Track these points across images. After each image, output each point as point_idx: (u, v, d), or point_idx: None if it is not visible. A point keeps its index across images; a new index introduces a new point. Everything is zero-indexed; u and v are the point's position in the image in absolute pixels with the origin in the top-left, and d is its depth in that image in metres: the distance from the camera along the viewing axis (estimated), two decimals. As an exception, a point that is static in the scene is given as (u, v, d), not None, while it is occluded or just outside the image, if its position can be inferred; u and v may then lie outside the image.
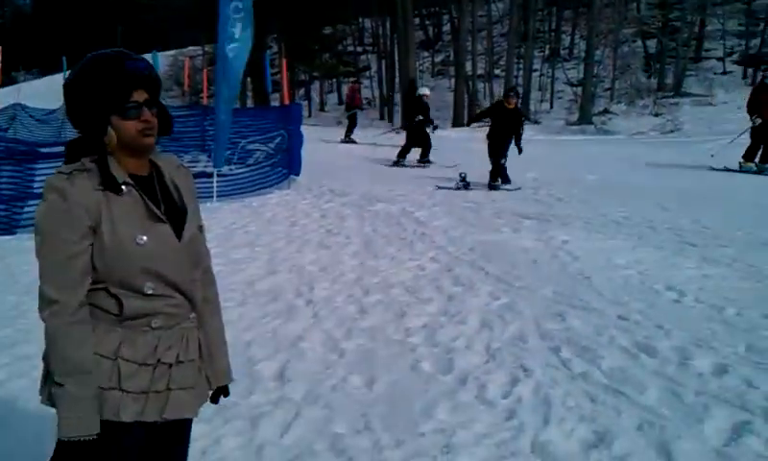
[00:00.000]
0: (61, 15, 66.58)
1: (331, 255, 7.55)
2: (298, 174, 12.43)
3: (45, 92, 30.98)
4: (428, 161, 16.21)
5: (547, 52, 36.45)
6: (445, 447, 3.61)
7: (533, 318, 5.44)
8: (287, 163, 12.33)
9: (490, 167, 12.27)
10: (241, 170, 11.80)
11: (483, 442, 3.65)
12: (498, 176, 12.26)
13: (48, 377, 2.03)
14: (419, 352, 4.83)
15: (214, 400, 2.39)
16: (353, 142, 21.72)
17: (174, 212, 2.13)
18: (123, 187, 2.00)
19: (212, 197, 10.21)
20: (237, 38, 9.72)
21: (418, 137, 16.54)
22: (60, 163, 6.35)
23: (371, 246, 7.93)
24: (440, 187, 12.08)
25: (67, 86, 2.03)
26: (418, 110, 16.87)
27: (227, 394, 2.43)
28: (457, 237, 8.24)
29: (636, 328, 5.18)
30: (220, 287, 2.42)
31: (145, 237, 2.00)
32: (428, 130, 16.90)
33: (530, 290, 6.19)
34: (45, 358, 2.04)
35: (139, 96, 2.02)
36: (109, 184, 1.98)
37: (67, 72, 22.10)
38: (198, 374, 2.22)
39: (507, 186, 12.14)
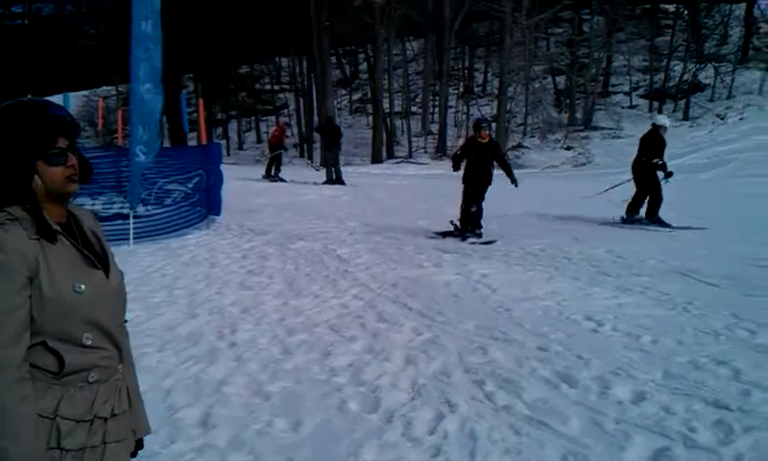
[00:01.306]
0: (-34, 56, 64.47)
1: (253, 296, 7.44)
2: (218, 214, 12.27)
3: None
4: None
5: (461, 89, 37.19)
6: (374, 487, 3.58)
7: (456, 352, 5.48)
8: (206, 203, 12.17)
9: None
10: (158, 211, 11.56)
11: (411, 480, 3.64)
12: (470, 224, 10.85)
13: None
14: (345, 392, 4.79)
15: (134, 453, 2.31)
16: (283, 181, 21.63)
17: (98, 258, 2.08)
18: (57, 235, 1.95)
19: (128, 239, 9.96)
20: (151, 79, 9.61)
21: (648, 185, 12.45)
22: None
23: (293, 285, 7.87)
24: (435, 235, 11.05)
25: None
26: (652, 150, 12.43)
27: (141, 446, 2.34)
28: (379, 273, 8.27)
29: (556, 359, 5.28)
30: (137, 333, 2.36)
31: (83, 285, 1.95)
32: (661, 180, 12.46)
33: (452, 324, 6.24)
34: None
35: (62, 143, 1.98)
36: (45, 233, 1.92)
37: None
38: (128, 426, 2.16)
39: (474, 239, 10.63)
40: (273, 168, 22.36)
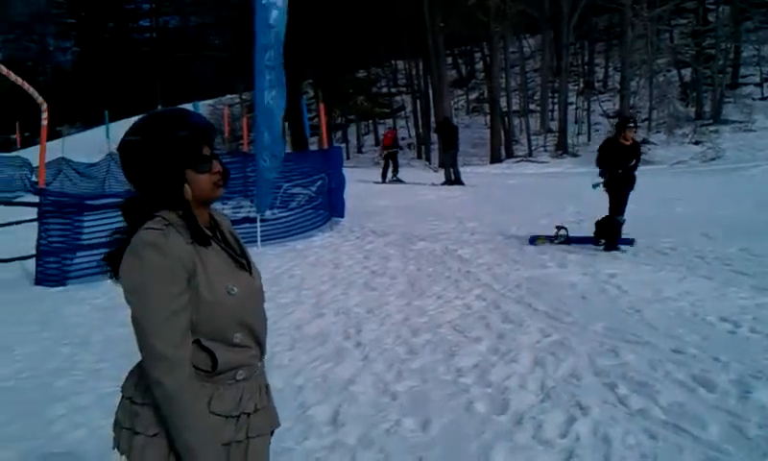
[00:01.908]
0: (102, 71, 68.30)
1: (377, 296, 7.55)
2: (341, 216, 12.51)
3: (88, 145, 31.75)
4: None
5: (581, 85, 36.34)
6: (505, 489, 3.56)
7: (586, 354, 5.37)
8: (329, 206, 12.43)
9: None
10: (284, 214, 11.89)
11: (543, 483, 3.60)
12: (617, 236, 9.49)
13: (148, 437, 2.02)
14: (472, 393, 4.78)
15: None
16: (402, 182, 21.80)
17: (244, 261, 2.19)
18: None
19: (257, 242, 10.30)
20: (275, 85, 9.88)
21: None
22: (104, 215, 6.46)
23: (416, 285, 7.92)
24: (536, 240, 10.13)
25: (132, 146, 2.04)
26: None
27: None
28: (502, 274, 8.19)
29: (692, 362, 5.08)
30: (270, 332, 2.43)
31: (236, 288, 2.04)
32: None
33: (581, 326, 6.11)
34: (134, 419, 2.06)
35: (206, 150, 2.07)
36: (199, 237, 2.01)
37: (111, 125, 22.49)
38: (267, 420, 2.24)
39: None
40: (391, 171, 22.53)
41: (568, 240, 10.00)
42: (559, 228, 10.14)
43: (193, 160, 2.04)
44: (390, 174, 22.52)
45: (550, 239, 10.04)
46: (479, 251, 9.57)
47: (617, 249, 9.35)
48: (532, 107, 35.07)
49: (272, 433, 2.33)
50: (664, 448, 3.83)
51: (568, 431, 4.10)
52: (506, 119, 32.07)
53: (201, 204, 2.10)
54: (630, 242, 9.63)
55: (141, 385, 2.04)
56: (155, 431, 1.99)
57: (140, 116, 2.15)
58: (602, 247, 9.55)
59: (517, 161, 28.88)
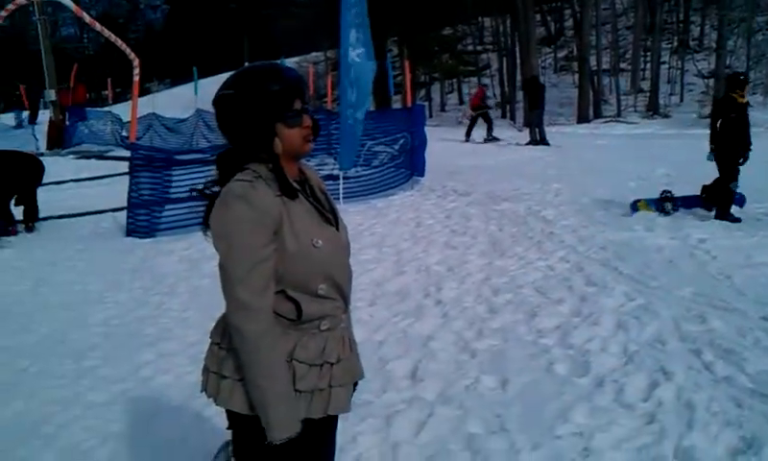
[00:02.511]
0: (191, 28, 69.47)
1: (458, 256, 7.52)
2: (422, 175, 12.48)
3: (176, 102, 32.51)
4: None
5: (675, 44, 35.00)
6: (584, 450, 3.53)
7: (671, 319, 5.24)
8: (410, 164, 12.40)
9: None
10: (366, 172, 11.93)
11: (623, 446, 3.55)
12: (730, 204, 8.80)
13: (234, 382, 2.10)
14: (552, 354, 4.74)
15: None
16: (497, 139, 21.50)
17: (330, 215, 2.22)
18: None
19: (339, 199, 10.38)
20: (362, 43, 9.84)
21: None
22: (192, 170, 6.64)
23: (497, 245, 7.86)
24: (637, 206, 9.39)
25: (226, 99, 2.09)
26: None
27: (354, 389, 2.46)
28: (587, 236, 8.04)
29: (784, 330, 4.90)
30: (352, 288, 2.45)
31: (320, 240, 2.08)
32: None
33: (666, 290, 5.96)
34: (220, 363, 2.14)
35: (298, 105, 2.09)
36: (287, 190, 2.05)
37: (199, 81, 22.88)
38: (349, 371, 2.28)
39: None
40: (485, 130, 22.17)
41: (675, 205, 9.23)
42: (665, 193, 9.32)
43: (284, 114, 2.07)
44: (484, 133, 22.17)
45: (659, 206, 9.21)
46: (563, 212, 9.41)
47: (730, 218, 8.65)
48: (622, 66, 34.02)
49: (355, 385, 2.37)
50: (750, 416, 3.72)
51: (651, 396, 4.03)
52: (595, 78, 31.21)
53: (291, 157, 2.14)
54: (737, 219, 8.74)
55: (228, 331, 2.10)
56: (241, 375, 2.06)
57: (234, 71, 2.20)
58: (712, 214, 8.93)
59: (606, 122, 28.09)
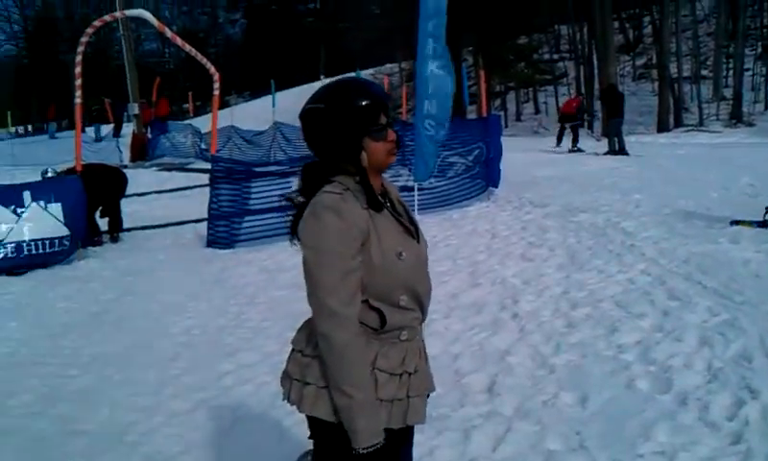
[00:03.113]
0: (269, 42, 70.74)
1: (535, 268, 7.43)
2: (497, 186, 12.37)
3: (254, 114, 33.10)
4: None
5: (759, 50, 33.86)
6: (668, 470, 3.43)
7: (758, 335, 5.04)
8: (486, 175, 12.31)
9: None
10: (441, 183, 11.89)
11: (708, 467, 3.44)
12: None
13: (318, 389, 2.14)
14: (633, 370, 4.63)
15: None
16: (581, 150, 21.16)
17: (412, 228, 2.27)
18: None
19: (414, 210, 10.37)
20: (440, 55, 9.81)
21: None
22: (270, 182, 6.79)
23: (576, 258, 7.72)
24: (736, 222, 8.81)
25: (315, 113, 2.16)
26: None
27: None
28: (669, 249, 7.81)
29: None
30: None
31: (405, 253, 2.14)
32: None
33: (753, 305, 5.73)
34: (303, 371, 2.20)
35: (383, 119, 2.15)
36: (373, 203, 2.12)
37: (276, 94, 23.22)
38: (425, 381, 2.31)
39: None
40: (570, 140, 21.83)
41: None
42: None
43: (371, 128, 2.13)
44: (569, 143, 21.81)
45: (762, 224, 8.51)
46: (644, 224, 9.17)
47: None
48: (704, 73, 33.07)
49: (427, 396, 2.37)
50: None
51: (736, 415, 3.89)
52: (675, 86, 30.45)
53: (375, 170, 2.20)
54: None
55: (312, 339, 2.16)
56: (325, 383, 2.11)
57: (322, 85, 2.27)
58: None
59: (687, 131, 27.35)
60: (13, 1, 62.90)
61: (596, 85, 32.25)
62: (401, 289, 2.14)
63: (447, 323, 5.84)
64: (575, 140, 21.82)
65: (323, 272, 2.04)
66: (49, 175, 10.18)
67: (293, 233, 2.22)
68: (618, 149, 19.58)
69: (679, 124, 29.08)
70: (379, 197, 2.17)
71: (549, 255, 7.93)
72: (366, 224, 2.07)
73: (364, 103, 2.11)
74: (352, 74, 30.08)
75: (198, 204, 11.40)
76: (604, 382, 4.47)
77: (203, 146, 22.47)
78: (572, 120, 22.34)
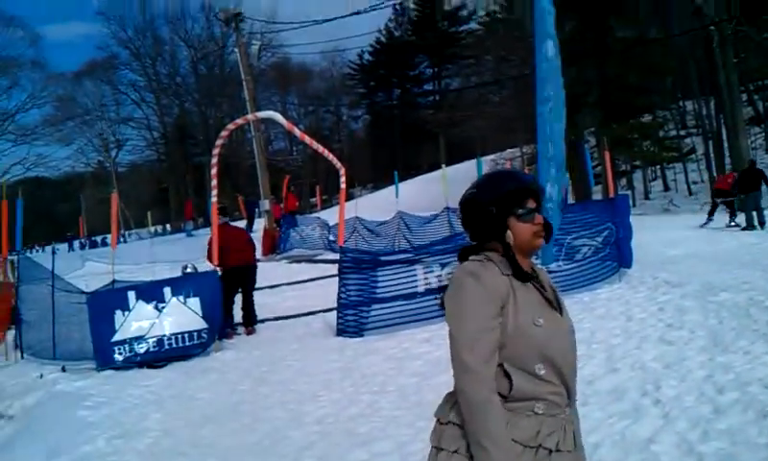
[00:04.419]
0: (391, 135, 72.67)
1: (675, 351, 7.09)
2: (629, 266, 12.01)
3: (377, 205, 33.72)
4: None
5: None
6: None
7: None
8: (617, 256, 11.99)
9: None
10: (568, 266, 11.67)
11: None
12: None
13: (451, 453, 2.21)
14: (791, 459, 4.31)
15: None
16: (738, 226, 20.26)
17: (556, 303, 2.35)
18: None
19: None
20: (555, 134, 9.76)
21: None
22: (396, 270, 6.99)
23: (718, 339, 7.32)
24: None
25: (470, 198, 2.37)
26: None
27: None
28: (822, 327, 7.31)
29: None
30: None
31: (542, 320, 2.21)
32: None
33: None
34: (439, 437, 2.27)
35: (531, 204, 2.31)
36: (518, 274, 2.25)
37: (399, 184, 23.69)
38: None
39: None
40: (729, 215, 20.97)
41: None
42: None
43: (516, 210, 2.29)
44: (726, 218, 20.93)
45: None
46: (792, 302, 8.63)
47: None
48: None
49: None
50: None
51: None
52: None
53: (522, 251, 2.33)
54: None
55: (450, 405, 2.28)
56: (456, 448, 2.18)
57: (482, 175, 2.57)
58: None
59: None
60: (153, 109, 67.55)
61: (727, 160, 31.13)
62: (537, 357, 2.18)
63: (586, 410, 5.62)
64: (732, 215, 20.88)
65: (462, 331, 2.17)
66: (188, 270, 10.69)
67: (442, 307, 2.34)
68: (760, 222, 18.73)
69: (820, 196, 27.53)
70: (526, 272, 2.28)
71: (690, 338, 7.55)
72: (506, 289, 2.20)
73: (511, 187, 2.29)
74: (471, 162, 30.30)
75: (327, 294, 11.64)
76: (759, 472, 4.18)
77: (331, 237, 23.05)
78: (727, 195, 21.44)
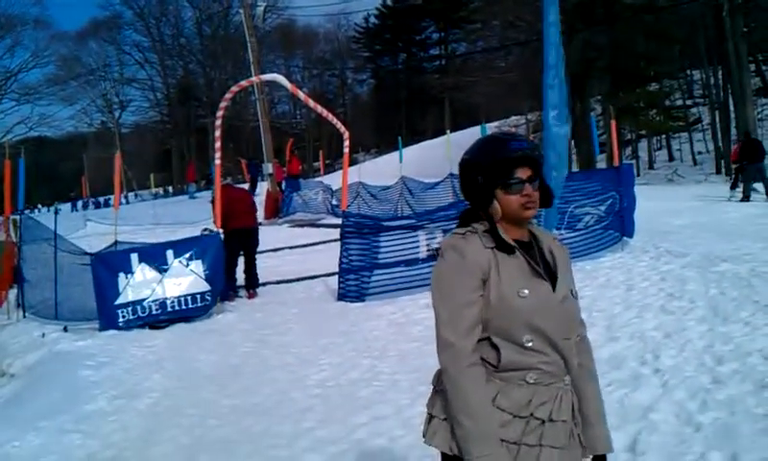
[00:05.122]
0: (395, 99, 72.26)
1: (675, 321, 7.10)
2: (631, 236, 11.99)
3: (381, 170, 33.64)
4: None
5: None
6: None
7: None
8: (620, 225, 11.96)
9: None
10: (571, 234, 11.64)
11: None
12: None
13: (440, 421, 2.24)
14: (788, 429, 4.32)
15: None
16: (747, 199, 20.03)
17: (549, 274, 2.28)
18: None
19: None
20: (555, 105, 9.70)
21: None
22: (398, 236, 6.99)
23: (719, 310, 7.31)
24: None
25: (463, 163, 2.33)
26: None
27: None
28: (824, 299, 7.30)
29: None
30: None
31: (527, 291, 2.18)
32: None
33: None
34: (433, 404, 2.31)
35: (523, 173, 2.23)
36: (502, 246, 2.20)
37: (403, 150, 23.65)
38: (569, 436, 2.25)
39: None
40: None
41: None
42: None
43: (502, 181, 2.23)
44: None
45: None
46: (792, 273, 8.62)
47: None
48: None
49: (597, 458, 2.38)
50: None
51: None
52: (821, 127, 28.83)
53: (511, 221, 2.27)
54: None
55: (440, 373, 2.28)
56: (445, 415, 2.21)
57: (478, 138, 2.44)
58: None
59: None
60: (157, 71, 67.18)
61: (734, 130, 30.97)
62: (524, 328, 2.16)
63: (584, 377, 5.66)
64: (733, 187, 20.61)
65: (442, 305, 2.19)
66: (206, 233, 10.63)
67: None
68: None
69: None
70: (511, 241, 2.22)
71: (690, 307, 7.56)
72: (487, 262, 2.17)
73: (499, 156, 2.22)
74: (476, 128, 30.16)
75: (329, 258, 11.65)
76: (755, 442, 4.20)
77: (333, 202, 23.03)
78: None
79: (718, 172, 32.72)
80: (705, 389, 5.17)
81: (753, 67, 38.51)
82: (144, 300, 9.50)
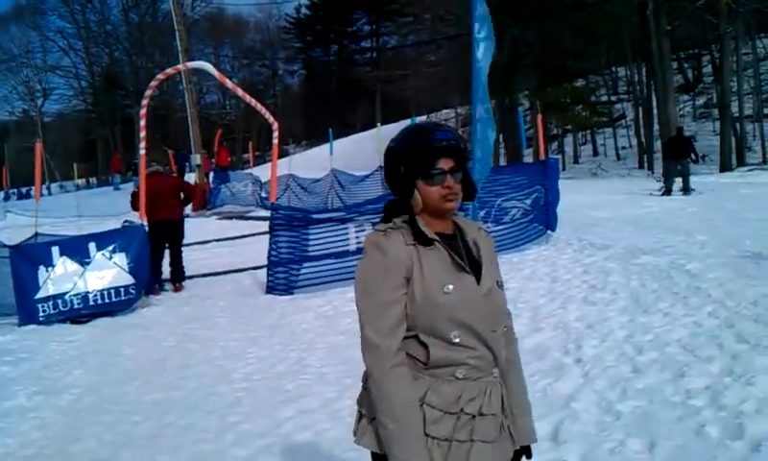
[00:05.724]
0: (326, 91, 72.03)
1: (597, 312, 7.28)
2: (554, 229, 12.23)
3: (312, 162, 33.48)
4: None
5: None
6: (744, 522, 3.28)
7: (836, 380, 4.84)
8: (544, 219, 12.18)
9: None
10: (497, 228, 11.79)
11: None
12: None
13: (369, 421, 2.21)
14: (703, 416, 4.46)
15: (517, 459, 2.39)
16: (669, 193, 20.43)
17: (473, 266, 2.25)
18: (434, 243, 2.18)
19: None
20: (482, 100, 9.81)
21: None
22: (327, 229, 6.97)
23: (640, 301, 7.53)
24: None
25: (388, 151, 2.27)
26: None
27: (529, 455, 2.43)
28: (736, 290, 7.55)
29: None
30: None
31: (451, 286, 2.14)
32: None
33: (829, 348, 5.51)
34: (362, 402, 2.28)
35: (445, 164, 2.18)
36: (421, 239, 2.16)
37: (333, 142, 23.57)
38: (500, 429, 2.25)
39: None
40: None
41: None
42: None
43: (423, 172, 2.18)
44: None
45: None
46: (709, 265, 8.91)
47: None
48: (766, 111, 32.44)
49: (525, 451, 2.39)
50: None
51: (817, 464, 3.71)
52: (737, 125, 29.89)
53: (433, 213, 2.23)
54: None
55: None
56: (373, 415, 2.16)
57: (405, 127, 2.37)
58: None
59: (750, 170, 26.75)
60: (82, 58, 65.32)
61: (656, 126, 31.86)
62: (451, 324, 2.13)
63: (508, 368, 5.74)
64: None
65: (364, 304, 2.15)
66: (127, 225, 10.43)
67: None
68: (684, 189, 19.19)
69: (742, 163, 28.50)
70: (432, 235, 2.19)
71: (612, 299, 7.76)
72: (409, 258, 2.13)
73: (421, 146, 2.17)
74: (407, 121, 30.27)
75: (257, 251, 11.54)
76: (673, 429, 4.33)
77: (263, 194, 22.82)
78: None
79: (641, 167, 33.65)
80: (625, 378, 5.31)
81: (675, 65, 39.71)
82: (65, 293, 9.24)
